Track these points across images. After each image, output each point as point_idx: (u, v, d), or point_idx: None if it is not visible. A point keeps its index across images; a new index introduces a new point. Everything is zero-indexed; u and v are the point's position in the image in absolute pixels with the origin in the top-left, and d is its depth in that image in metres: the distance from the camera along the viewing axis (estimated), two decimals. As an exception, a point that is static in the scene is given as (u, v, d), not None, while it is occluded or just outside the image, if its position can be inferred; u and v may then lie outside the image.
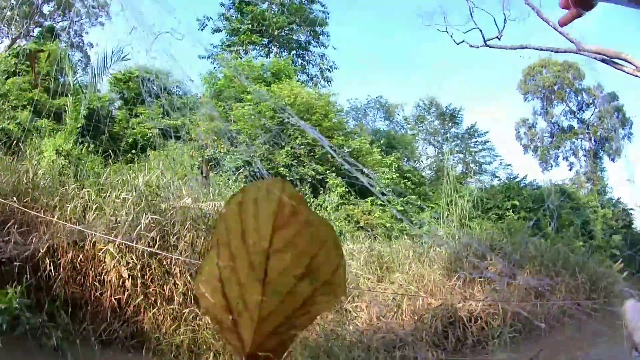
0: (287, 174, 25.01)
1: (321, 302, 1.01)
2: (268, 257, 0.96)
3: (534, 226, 26.15)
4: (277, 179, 0.98)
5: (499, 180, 42.21)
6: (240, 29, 42.23)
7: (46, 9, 45.29)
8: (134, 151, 26.10)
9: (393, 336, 12.45)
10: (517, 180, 36.72)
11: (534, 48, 21.66)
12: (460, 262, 15.98)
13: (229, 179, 22.82)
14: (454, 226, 19.85)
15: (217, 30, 44.17)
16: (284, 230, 0.95)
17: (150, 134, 27.91)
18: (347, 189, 25.03)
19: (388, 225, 23.33)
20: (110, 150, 18.22)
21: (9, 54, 30.92)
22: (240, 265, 0.98)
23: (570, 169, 54.60)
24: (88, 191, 12.83)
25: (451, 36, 24.93)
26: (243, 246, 0.97)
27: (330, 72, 46.06)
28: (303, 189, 24.74)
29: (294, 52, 44.37)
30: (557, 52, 22.66)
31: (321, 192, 25.27)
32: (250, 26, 42.06)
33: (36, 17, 43.61)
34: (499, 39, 22.76)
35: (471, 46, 24.05)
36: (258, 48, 43.71)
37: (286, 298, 0.99)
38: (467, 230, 20.05)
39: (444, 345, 12.41)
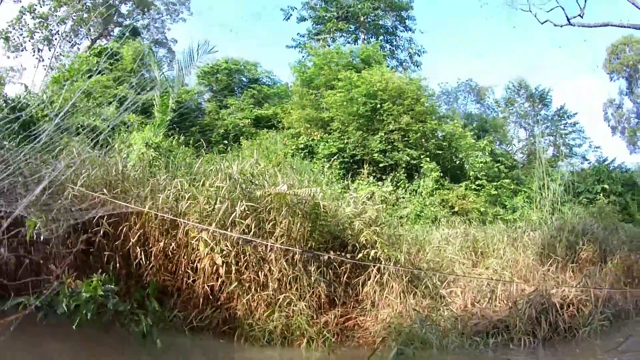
0: (382, 160, 24.59)
1: None
2: None
3: (623, 210, 25.59)
4: None
5: (589, 163, 41.40)
6: (326, 17, 41.98)
7: (124, 8, 46.18)
8: (225, 141, 26.25)
9: (487, 322, 12.20)
10: (606, 163, 35.63)
11: (616, 25, 21.21)
12: (553, 247, 15.80)
13: (323, 166, 22.45)
14: (547, 211, 19.67)
15: (303, 19, 44.11)
16: None
17: (242, 124, 28.00)
18: (441, 174, 24.69)
19: (482, 209, 22.88)
20: (202, 141, 18.08)
21: (90, 54, 31.51)
22: None
23: (658, 151, 52.76)
24: (180, 181, 12.51)
25: (535, 15, 24.25)
26: None
27: (419, 56, 45.51)
28: (398, 174, 24.49)
29: (381, 37, 43.62)
30: (638, 28, 21.95)
31: (416, 177, 24.75)
32: (335, 14, 41.75)
33: (115, 17, 44.47)
34: (582, 17, 22.11)
35: (555, 25, 23.42)
36: (345, 35, 43.46)
37: None
38: (559, 214, 19.52)
39: (536, 332, 11.93)
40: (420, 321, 11.56)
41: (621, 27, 21.55)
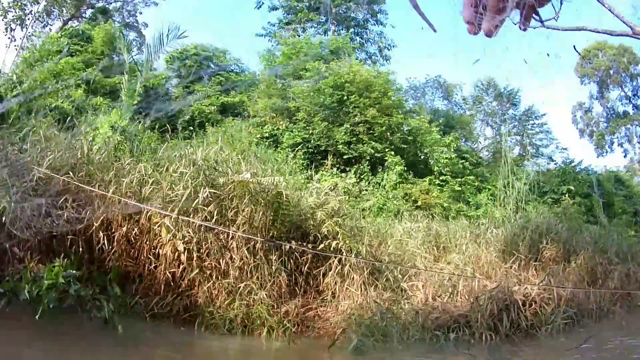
0: (346, 151, 24.64)
1: None
2: None
3: (588, 212, 25.83)
4: None
5: (555, 164, 40.92)
6: (298, 7, 41.68)
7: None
8: (191, 128, 26.05)
9: (448, 317, 12.23)
10: (572, 164, 35.61)
11: (590, 30, 21.17)
12: (516, 245, 15.89)
13: (287, 156, 22.45)
14: (510, 209, 19.90)
15: (274, 8, 43.63)
16: None
17: (208, 111, 27.88)
18: (405, 168, 24.72)
19: (445, 205, 23.08)
20: (167, 127, 17.99)
21: (61, 35, 31.20)
22: None
23: (625, 156, 52.96)
24: (144, 165, 12.48)
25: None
26: None
27: (388, 50, 45.13)
28: (362, 167, 24.54)
29: (352, 30, 43.48)
30: (611, 34, 22.05)
31: (380, 170, 24.77)
32: (307, 4, 41.50)
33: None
34: (556, 20, 22.14)
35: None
36: (316, 26, 42.99)
37: None
38: (523, 213, 19.82)
39: (497, 328, 11.97)
40: (381, 313, 11.62)
41: (595, 32, 21.51)
